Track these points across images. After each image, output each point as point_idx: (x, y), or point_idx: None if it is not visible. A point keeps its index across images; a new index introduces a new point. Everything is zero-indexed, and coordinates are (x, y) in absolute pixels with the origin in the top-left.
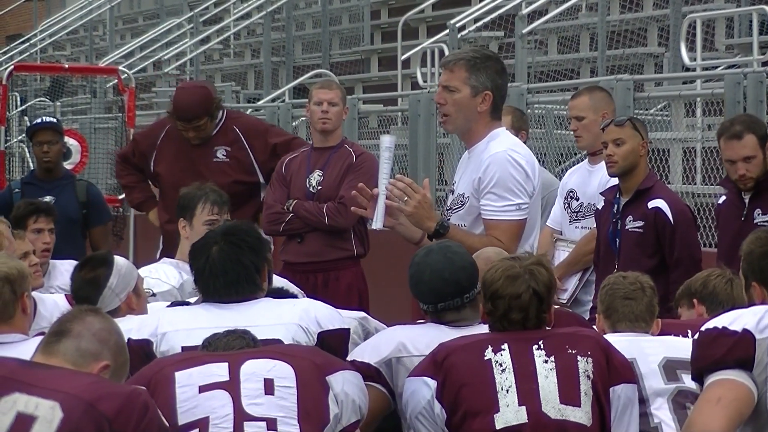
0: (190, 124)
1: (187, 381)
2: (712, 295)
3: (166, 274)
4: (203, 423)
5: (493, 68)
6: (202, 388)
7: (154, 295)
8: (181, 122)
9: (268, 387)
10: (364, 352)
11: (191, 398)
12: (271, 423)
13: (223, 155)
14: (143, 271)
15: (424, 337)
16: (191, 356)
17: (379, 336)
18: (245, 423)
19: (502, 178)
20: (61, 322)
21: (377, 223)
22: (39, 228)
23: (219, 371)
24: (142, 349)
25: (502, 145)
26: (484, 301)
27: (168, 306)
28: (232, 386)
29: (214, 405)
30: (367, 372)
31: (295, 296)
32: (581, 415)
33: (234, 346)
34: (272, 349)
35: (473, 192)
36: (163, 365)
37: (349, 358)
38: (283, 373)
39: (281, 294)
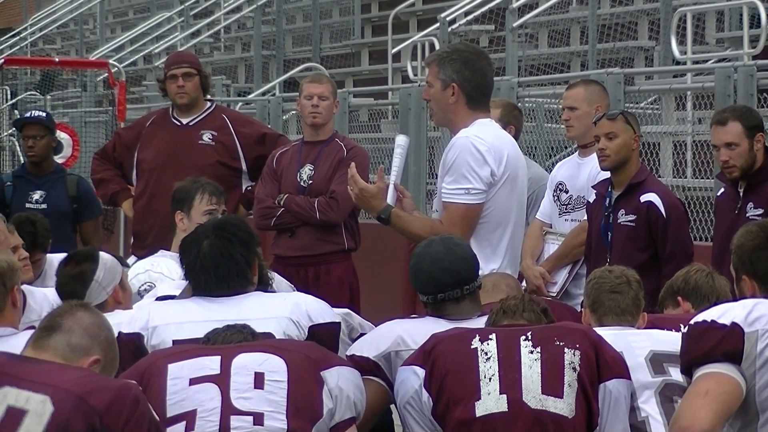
0: (181, 69)
1: (178, 373)
2: (695, 289)
3: (169, 268)
4: (191, 416)
5: (459, 60)
6: (193, 381)
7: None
8: (173, 67)
9: (258, 381)
10: (363, 346)
11: (181, 391)
12: (258, 417)
13: (209, 138)
14: (144, 265)
15: (422, 331)
16: (186, 349)
17: (379, 330)
18: (232, 417)
19: (457, 162)
20: (51, 317)
21: (388, 200)
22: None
23: (211, 364)
24: (132, 343)
25: (469, 132)
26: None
27: (156, 299)
28: (222, 379)
29: (202, 398)
30: (366, 366)
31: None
32: (563, 406)
33: (233, 341)
34: (267, 343)
35: (441, 178)
36: (158, 357)
37: (348, 353)
38: (274, 367)
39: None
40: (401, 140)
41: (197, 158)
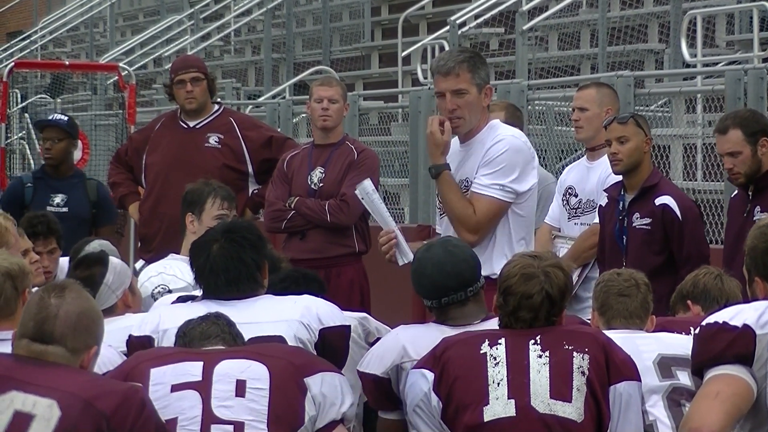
0: (189, 74)
1: (160, 379)
2: (704, 292)
3: (181, 270)
4: (171, 424)
5: (485, 63)
6: (174, 388)
7: (170, 291)
8: (180, 72)
9: (240, 389)
10: (370, 363)
11: (163, 397)
12: (239, 427)
13: (216, 141)
14: (157, 268)
15: (426, 340)
16: (169, 353)
17: (383, 343)
18: (212, 426)
19: (502, 157)
20: (37, 325)
21: (404, 259)
22: (37, 251)
23: (193, 370)
24: (143, 346)
25: (510, 131)
26: (497, 294)
27: (173, 302)
28: (203, 387)
29: (183, 406)
30: (381, 388)
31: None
32: (571, 410)
33: (211, 334)
34: (250, 348)
35: (479, 168)
36: (141, 360)
37: (358, 368)
38: (256, 374)
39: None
40: (369, 185)
41: (203, 161)
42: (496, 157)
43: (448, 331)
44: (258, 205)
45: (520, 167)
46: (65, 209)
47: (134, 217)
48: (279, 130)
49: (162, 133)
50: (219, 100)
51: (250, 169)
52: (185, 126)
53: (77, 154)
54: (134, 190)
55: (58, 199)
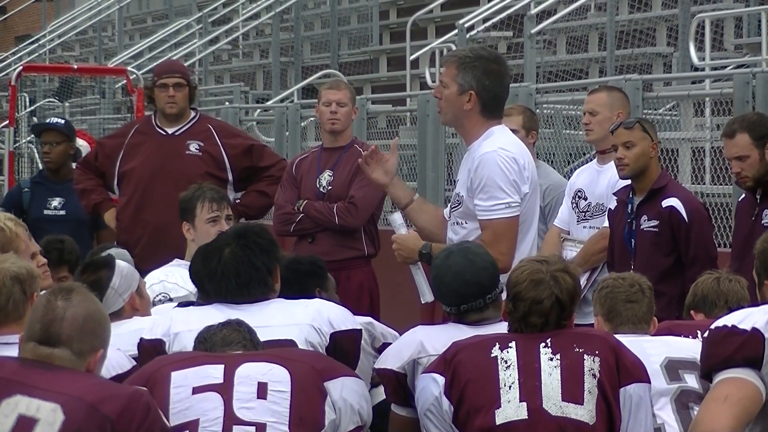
0: (173, 79)
1: (182, 382)
2: (703, 299)
3: (183, 278)
4: (193, 425)
5: (481, 68)
6: (196, 390)
7: (171, 300)
8: (164, 75)
9: (261, 391)
10: (387, 359)
11: (184, 399)
12: (261, 428)
13: (196, 149)
14: (158, 274)
15: (443, 337)
16: (190, 356)
17: (402, 339)
18: (234, 427)
19: (491, 177)
20: (44, 327)
21: (426, 297)
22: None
23: (214, 373)
24: (154, 349)
25: (494, 144)
26: (506, 299)
27: (176, 306)
28: (225, 389)
29: (205, 407)
30: (396, 382)
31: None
32: (583, 413)
33: (232, 340)
34: (271, 352)
35: (467, 191)
36: (162, 364)
37: (375, 366)
38: (278, 377)
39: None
40: (402, 218)
41: (185, 168)
42: (484, 180)
43: (466, 329)
44: (240, 215)
45: (509, 179)
46: (63, 212)
47: (111, 224)
48: (287, 133)
49: (138, 139)
50: (200, 105)
51: (230, 177)
52: (164, 132)
53: None
54: (107, 197)
55: (56, 202)
